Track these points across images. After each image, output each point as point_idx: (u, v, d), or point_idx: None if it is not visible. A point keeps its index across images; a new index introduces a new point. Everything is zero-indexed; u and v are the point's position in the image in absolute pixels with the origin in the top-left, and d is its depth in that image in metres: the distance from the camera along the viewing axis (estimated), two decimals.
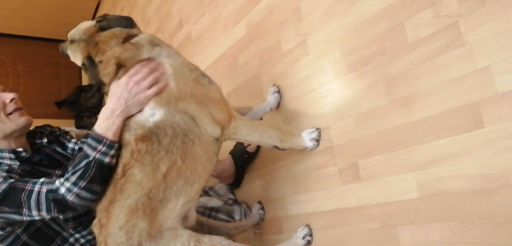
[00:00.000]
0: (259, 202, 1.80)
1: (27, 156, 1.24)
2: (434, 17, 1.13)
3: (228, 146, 1.88)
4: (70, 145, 1.47)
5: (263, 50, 1.80)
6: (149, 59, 1.19)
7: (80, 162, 1.11)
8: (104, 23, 1.23)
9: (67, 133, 1.54)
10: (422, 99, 1.16)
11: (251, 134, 1.32)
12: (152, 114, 1.17)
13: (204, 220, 1.51)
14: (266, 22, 1.78)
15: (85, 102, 4.18)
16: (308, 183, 1.55)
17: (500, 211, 1.00)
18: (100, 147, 1.11)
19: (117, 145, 1.14)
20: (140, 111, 1.17)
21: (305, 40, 1.57)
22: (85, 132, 4.29)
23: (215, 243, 1.23)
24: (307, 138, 1.48)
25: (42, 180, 1.13)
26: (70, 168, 1.12)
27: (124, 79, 1.15)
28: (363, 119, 1.34)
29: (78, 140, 1.50)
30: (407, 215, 1.21)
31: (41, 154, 1.34)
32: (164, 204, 1.19)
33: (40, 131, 1.43)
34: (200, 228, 1.41)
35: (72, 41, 1.25)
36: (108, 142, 1.11)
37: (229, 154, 1.88)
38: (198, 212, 1.68)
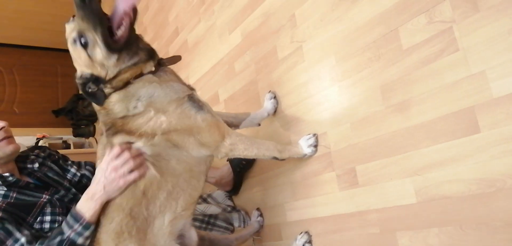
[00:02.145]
0: (258, 209, 1.80)
1: (14, 180, 1.24)
2: (428, 23, 1.13)
3: None
4: (72, 170, 1.46)
5: (259, 57, 1.80)
6: (129, 143, 1.18)
7: (54, 237, 1.14)
8: None
9: (67, 158, 1.53)
10: (418, 104, 1.16)
11: (248, 148, 1.31)
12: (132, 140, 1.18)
13: (205, 234, 1.50)
14: (261, 29, 1.79)
15: (82, 110, 4.18)
16: (307, 189, 1.55)
17: (498, 215, 1.00)
18: (76, 226, 1.14)
19: (93, 227, 1.16)
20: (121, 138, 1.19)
21: (300, 47, 1.57)
22: (83, 139, 4.28)
23: None
24: (304, 145, 1.48)
25: (22, 240, 1.14)
26: (45, 241, 1.14)
27: (103, 164, 1.17)
28: (359, 125, 1.34)
29: (78, 166, 1.49)
30: (405, 220, 1.21)
31: (32, 177, 1.33)
32: (150, 222, 1.19)
33: (33, 156, 1.40)
34: (201, 243, 1.40)
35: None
36: (84, 223, 1.14)
37: (227, 161, 1.88)
38: (196, 219, 1.68)
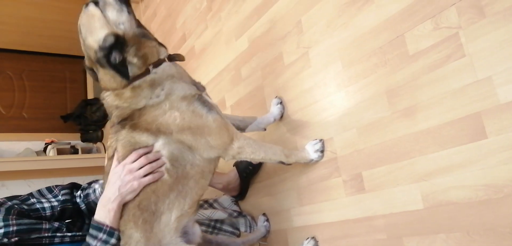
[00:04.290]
0: (264, 214, 1.80)
1: None
2: (434, 29, 1.14)
3: None
4: (46, 205, 1.27)
5: (266, 63, 1.81)
6: (147, 147, 1.19)
7: None
8: None
9: (26, 198, 1.26)
10: (424, 110, 1.16)
11: (255, 152, 1.32)
12: (151, 142, 1.19)
13: (212, 238, 1.51)
14: (268, 35, 1.80)
15: (90, 116, 4.21)
16: (313, 195, 1.56)
17: (505, 222, 1.00)
18: (101, 235, 1.12)
19: (117, 233, 1.14)
20: (141, 135, 1.19)
21: (307, 53, 1.58)
22: (91, 145, 4.32)
23: None
24: (311, 150, 1.48)
25: None
26: None
27: (119, 167, 1.18)
28: (366, 131, 1.34)
29: (52, 195, 1.32)
30: (412, 226, 1.21)
31: None
32: (157, 217, 1.20)
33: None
34: (208, 245, 1.41)
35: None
36: (108, 229, 1.12)
37: (233, 166, 1.89)
38: (203, 224, 1.69)
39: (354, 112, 1.39)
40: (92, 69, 1.23)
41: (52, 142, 3.98)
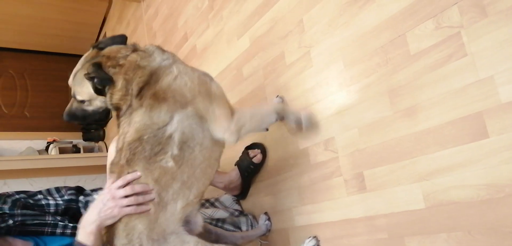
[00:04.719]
0: (266, 213, 1.81)
1: None
2: (436, 28, 1.14)
3: (234, 157, 1.90)
4: (51, 202, 1.38)
5: (267, 62, 1.81)
6: (136, 173, 1.18)
7: None
8: (102, 45, 1.26)
9: (34, 194, 1.39)
10: (426, 109, 1.16)
11: (253, 117, 1.38)
12: (169, 122, 1.18)
13: (212, 228, 1.52)
14: (269, 34, 1.80)
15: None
16: (314, 194, 1.56)
17: (507, 221, 1.00)
18: None
19: None
20: (159, 112, 1.18)
21: (308, 52, 1.58)
22: (92, 144, 4.33)
23: None
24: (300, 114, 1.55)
25: None
26: None
27: (105, 190, 1.17)
28: (367, 130, 1.34)
29: (58, 195, 1.42)
30: (414, 225, 1.21)
31: (12, 235, 1.24)
32: (162, 207, 1.19)
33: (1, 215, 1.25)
34: (207, 236, 1.41)
35: (75, 75, 1.26)
36: None
37: (235, 165, 1.89)
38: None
39: (355, 112, 1.39)
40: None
41: (54, 140, 4.00)
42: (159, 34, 3.03)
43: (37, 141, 4.08)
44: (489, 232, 1.03)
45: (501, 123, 1.00)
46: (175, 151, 1.19)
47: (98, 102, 1.28)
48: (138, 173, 1.17)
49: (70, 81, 1.28)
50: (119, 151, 1.22)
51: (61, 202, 1.36)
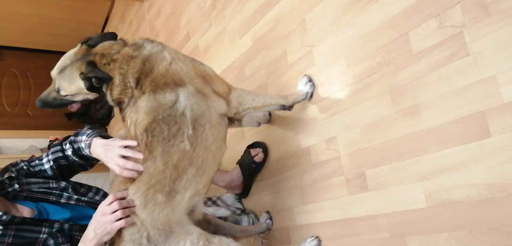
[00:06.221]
0: (267, 212, 1.81)
1: (8, 219, 1.20)
2: (438, 28, 1.14)
3: (236, 156, 1.90)
4: (46, 167, 1.41)
5: (269, 61, 1.82)
6: (124, 192, 1.21)
7: None
8: (92, 42, 1.27)
9: (31, 160, 1.44)
10: (428, 109, 1.16)
11: (255, 99, 1.42)
12: (177, 100, 1.21)
13: (211, 218, 1.52)
14: (272, 33, 1.80)
15: (94, 114, 4.23)
16: (316, 193, 1.56)
17: (509, 221, 1.00)
18: None
19: None
20: (164, 94, 1.20)
21: (310, 51, 1.58)
22: None
23: (224, 244, 1.23)
24: (301, 85, 1.57)
25: None
26: None
27: (102, 204, 1.19)
28: (369, 129, 1.34)
29: (47, 155, 1.44)
30: (415, 224, 1.21)
31: (19, 199, 1.30)
32: (172, 196, 1.21)
33: (7, 180, 1.31)
34: (207, 225, 1.42)
35: (62, 70, 1.27)
36: None
37: (237, 164, 1.90)
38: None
39: (357, 111, 1.39)
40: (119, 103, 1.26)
41: (56, 139, 4.00)
42: (162, 33, 3.04)
43: (40, 140, 4.09)
44: (491, 231, 1.03)
45: (503, 122, 1.00)
46: (190, 130, 1.21)
47: (80, 97, 1.32)
48: (130, 192, 1.19)
49: (54, 74, 1.29)
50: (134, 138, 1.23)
51: (52, 163, 1.40)
